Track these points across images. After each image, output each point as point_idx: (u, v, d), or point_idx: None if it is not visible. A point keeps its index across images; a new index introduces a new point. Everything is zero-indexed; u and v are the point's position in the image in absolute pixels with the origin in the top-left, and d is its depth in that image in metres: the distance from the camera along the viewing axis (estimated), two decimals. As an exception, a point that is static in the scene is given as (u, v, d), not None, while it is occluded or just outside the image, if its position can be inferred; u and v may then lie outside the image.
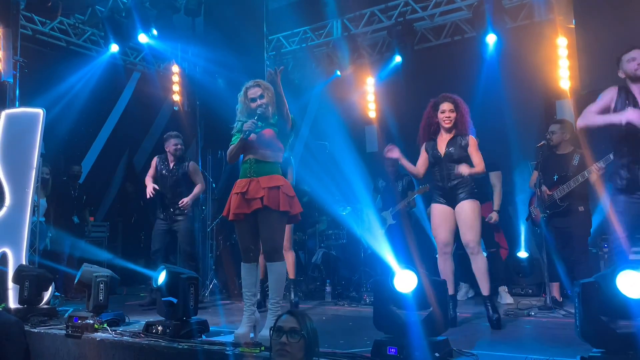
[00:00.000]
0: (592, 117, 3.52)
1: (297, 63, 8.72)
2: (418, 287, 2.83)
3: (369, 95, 8.35)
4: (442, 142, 4.17)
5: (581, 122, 3.58)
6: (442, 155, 4.11)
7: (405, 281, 2.86)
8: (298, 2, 8.02)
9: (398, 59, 7.69)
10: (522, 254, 5.95)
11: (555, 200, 4.83)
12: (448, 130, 4.15)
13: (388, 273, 2.96)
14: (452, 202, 4.08)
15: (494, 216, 5.46)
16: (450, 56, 7.54)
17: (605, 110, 3.52)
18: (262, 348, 3.11)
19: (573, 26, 5.95)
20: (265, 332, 3.22)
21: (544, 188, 4.90)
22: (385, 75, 8.02)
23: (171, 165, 5.75)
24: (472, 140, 4.08)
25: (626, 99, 3.50)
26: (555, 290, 4.93)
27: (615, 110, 3.49)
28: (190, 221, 5.78)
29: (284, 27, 8.30)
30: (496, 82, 6.57)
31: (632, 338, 2.43)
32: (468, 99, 6.65)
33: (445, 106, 4.13)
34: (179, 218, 5.65)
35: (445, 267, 4.10)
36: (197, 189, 5.74)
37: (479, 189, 4.19)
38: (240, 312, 3.63)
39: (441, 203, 4.13)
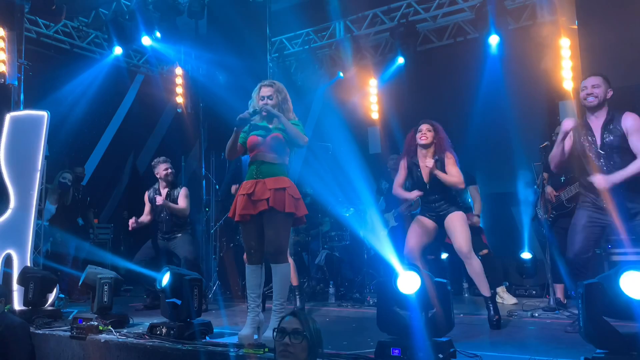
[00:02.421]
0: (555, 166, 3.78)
1: (300, 65, 8.74)
2: (421, 288, 2.83)
3: (371, 96, 8.35)
4: (424, 167, 4.21)
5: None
6: (427, 182, 4.19)
7: (408, 282, 2.86)
8: (301, 4, 8.04)
9: (401, 60, 7.70)
10: (526, 255, 5.94)
11: (562, 201, 4.82)
12: (424, 147, 4.23)
13: (391, 274, 2.96)
14: (439, 220, 4.19)
15: (475, 219, 5.57)
16: (453, 57, 7.55)
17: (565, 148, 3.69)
18: (266, 349, 3.12)
19: (576, 27, 5.95)
20: (268, 334, 3.23)
21: (550, 189, 4.90)
22: (388, 76, 8.03)
23: (163, 193, 5.66)
24: (448, 157, 4.15)
25: (582, 134, 3.62)
26: (559, 291, 4.92)
27: (575, 147, 3.66)
28: (187, 234, 5.70)
29: (286, 29, 8.31)
30: (499, 83, 6.57)
31: (635, 339, 2.43)
32: (471, 99, 6.75)
33: (423, 127, 4.25)
34: (176, 235, 5.62)
35: None
36: (178, 205, 5.58)
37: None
38: (243, 314, 3.65)
39: (427, 217, 4.25)
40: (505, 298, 5.39)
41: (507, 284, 5.79)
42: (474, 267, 4.03)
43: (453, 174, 4.11)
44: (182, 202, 5.63)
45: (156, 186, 5.78)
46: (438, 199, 4.18)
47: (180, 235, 5.61)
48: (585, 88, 3.61)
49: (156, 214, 5.69)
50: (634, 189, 3.46)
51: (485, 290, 4.02)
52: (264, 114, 3.58)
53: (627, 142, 3.47)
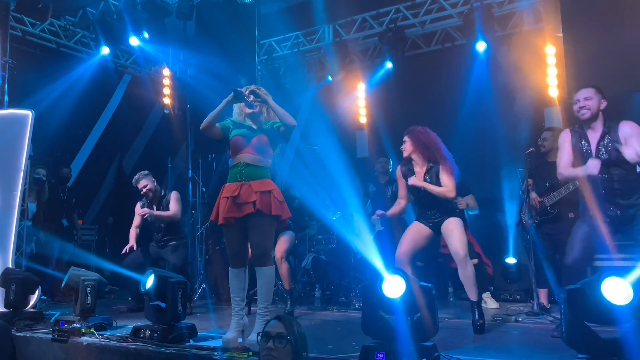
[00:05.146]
0: (568, 171, 3.67)
1: (289, 68, 8.74)
2: (406, 292, 2.84)
3: (359, 100, 8.39)
4: (419, 175, 4.24)
5: (562, 177, 3.78)
6: (423, 189, 4.19)
7: (393, 286, 2.87)
8: (290, 7, 8.06)
9: (389, 65, 7.74)
10: (511, 260, 5.99)
11: (545, 207, 4.88)
12: (412, 157, 4.28)
13: (377, 278, 2.96)
14: (436, 227, 4.20)
15: (460, 200, 5.52)
16: (440, 63, 7.60)
17: (573, 156, 3.66)
18: (250, 353, 3.11)
19: (561, 35, 6.03)
20: (253, 337, 3.22)
21: (534, 195, 4.95)
22: (376, 81, 8.07)
23: (154, 206, 5.65)
24: (443, 165, 4.16)
25: (580, 139, 3.63)
26: (543, 296, 4.97)
27: (575, 151, 3.64)
28: (181, 243, 5.68)
29: (275, 32, 8.32)
30: (485, 89, 6.64)
31: (616, 344, 2.46)
32: (457, 105, 6.80)
33: (404, 138, 4.31)
34: (169, 243, 5.60)
35: None
36: (166, 212, 5.56)
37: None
38: (229, 317, 3.63)
39: (423, 224, 4.25)
40: (489, 303, 5.44)
41: (492, 288, 5.83)
42: (468, 272, 4.05)
43: (444, 184, 4.12)
44: (173, 206, 5.61)
45: (146, 200, 5.71)
46: (433, 205, 4.18)
47: (173, 243, 5.60)
48: (578, 101, 3.61)
49: (150, 222, 5.64)
50: (621, 193, 3.50)
51: (473, 295, 4.06)
52: (251, 97, 3.56)
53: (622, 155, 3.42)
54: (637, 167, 3.57)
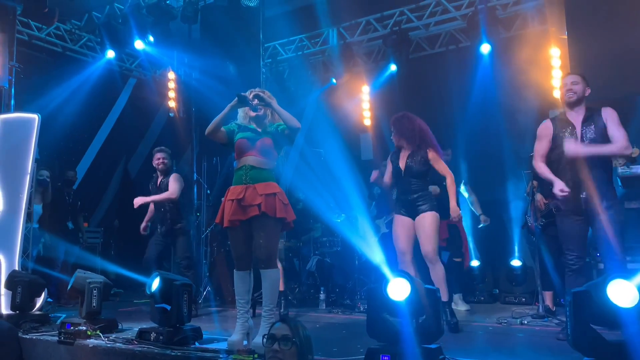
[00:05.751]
0: (541, 169, 3.88)
1: (293, 71, 8.76)
2: (411, 294, 2.84)
3: (364, 103, 8.39)
4: (403, 157, 4.39)
5: (537, 170, 3.95)
6: (403, 170, 4.33)
7: (398, 289, 2.87)
8: (294, 10, 8.07)
9: (393, 67, 7.74)
10: (516, 262, 5.97)
11: (551, 209, 4.86)
12: (398, 147, 4.43)
13: (382, 281, 2.97)
14: (413, 214, 4.28)
15: (483, 218, 5.85)
16: (444, 65, 7.60)
17: (548, 150, 3.86)
18: (256, 355, 3.11)
19: (565, 37, 6.02)
20: (258, 340, 3.22)
21: (539, 197, 4.94)
22: (380, 83, 8.07)
23: (159, 182, 5.70)
24: (430, 154, 4.28)
25: (563, 128, 3.79)
26: (548, 299, 4.95)
27: (556, 141, 3.79)
28: (186, 234, 5.74)
29: (280, 35, 8.34)
30: (490, 91, 6.63)
31: (622, 347, 2.45)
32: (462, 107, 6.80)
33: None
34: (175, 228, 5.60)
35: None
36: (161, 195, 5.54)
37: (440, 203, 4.38)
38: (234, 319, 3.64)
39: (402, 214, 4.34)
40: (459, 304, 5.47)
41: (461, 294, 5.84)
42: (437, 272, 4.16)
43: (442, 172, 4.24)
44: (170, 186, 5.60)
45: (155, 175, 5.78)
46: (415, 190, 4.25)
47: (178, 226, 5.59)
48: (566, 85, 3.83)
49: (156, 206, 5.69)
50: (601, 186, 3.60)
51: (444, 295, 4.13)
52: (255, 101, 3.58)
53: (606, 136, 3.63)
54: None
